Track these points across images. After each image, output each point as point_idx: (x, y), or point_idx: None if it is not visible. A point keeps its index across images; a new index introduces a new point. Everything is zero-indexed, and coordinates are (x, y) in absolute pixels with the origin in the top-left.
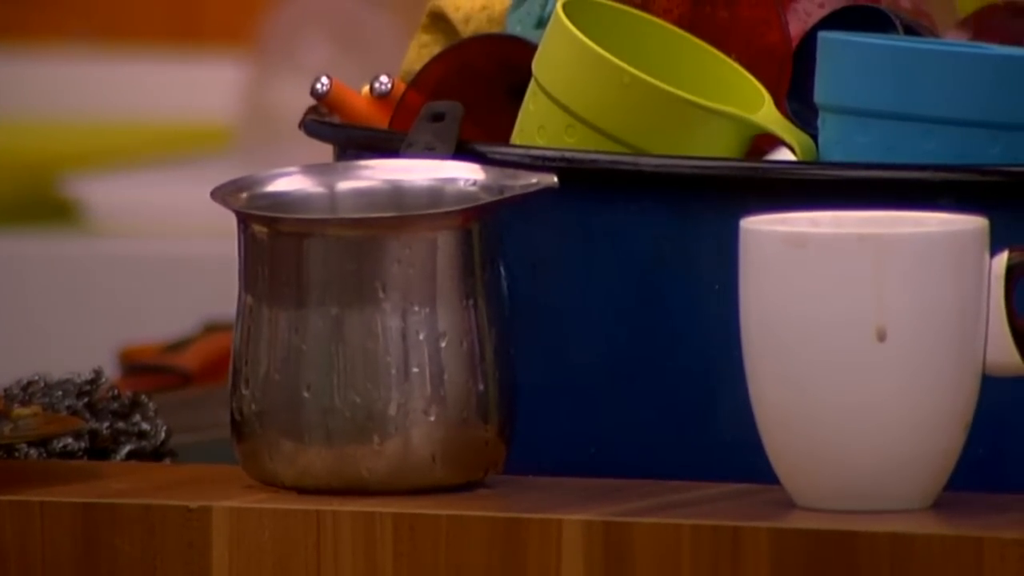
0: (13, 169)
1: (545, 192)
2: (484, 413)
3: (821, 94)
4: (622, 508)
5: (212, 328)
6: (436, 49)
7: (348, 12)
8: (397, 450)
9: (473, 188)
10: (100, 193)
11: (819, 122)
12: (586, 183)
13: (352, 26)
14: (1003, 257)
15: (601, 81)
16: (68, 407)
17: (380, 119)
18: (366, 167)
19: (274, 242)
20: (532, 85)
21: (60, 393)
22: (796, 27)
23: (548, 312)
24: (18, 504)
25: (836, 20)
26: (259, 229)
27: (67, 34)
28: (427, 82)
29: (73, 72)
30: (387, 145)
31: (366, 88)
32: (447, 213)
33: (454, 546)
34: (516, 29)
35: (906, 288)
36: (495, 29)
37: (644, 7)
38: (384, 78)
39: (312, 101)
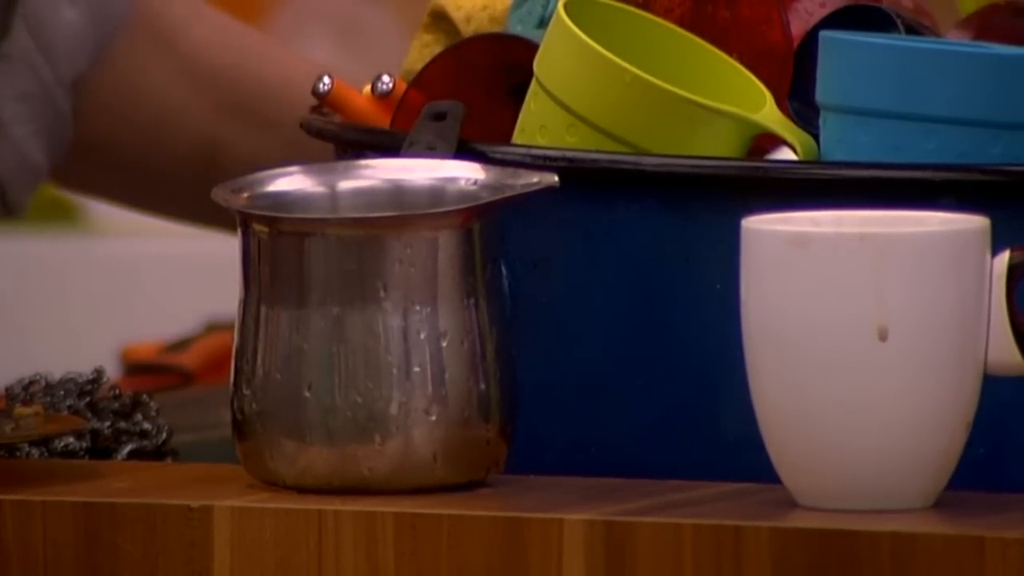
0: None
1: (546, 191)
2: (485, 412)
3: (822, 93)
4: (623, 507)
5: (213, 327)
6: (438, 48)
7: (350, 11)
8: (398, 449)
9: (474, 187)
10: None
11: (820, 121)
12: (587, 182)
13: (353, 25)
14: (1004, 256)
15: (602, 80)
16: (69, 406)
17: (381, 118)
18: (367, 166)
19: (275, 241)
20: (533, 84)
21: (62, 392)
22: (797, 26)
23: (549, 311)
24: (20, 503)
25: (837, 19)
26: (260, 228)
27: None
28: (428, 81)
29: None
30: (388, 144)
31: (367, 87)
32: (448, 212)
33: (455, 545)
34: (517, 28)
35: (907, 288)
36: (496, 28)
37: (645, 6)
38: (386, 77)
39: (313, 100)
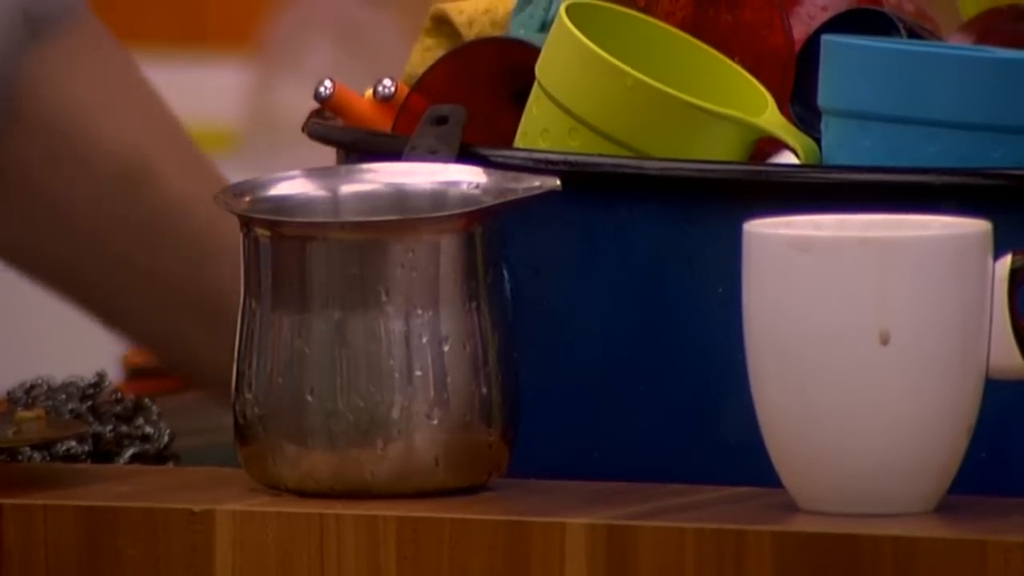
0: None
1: (548, 195)
2: (487, 416)
3: (824, 97)
4: (625, 511)
5: None
6: (439, 52)
7: (351, 15)
8: (400, 453)
9: (476, 191)
10: None
11: (822, 125)
12: (589, 186)
13: (355, 29)
14: (1006, 260)
15: (604, 84)
16: (71, 410)
17: (383, 122)
18: (369, 170)
19: (277, 245)
20: (535, 88)
21: (63, 396)
22: (799, 30)
23: (551, 315)
24: (21, 507)
25: (839, 23)
26: (262, 232)
27: None
28: (430, 85)
29: None
30: (390, 148)
31: (369, 91)
32: (450, 216)
33: (457, 549)
34: (519, 32)
35: (909, 291)
36: (498, 32)
37: (647, 10)
38: (387, 81)
39: (315, 104)
